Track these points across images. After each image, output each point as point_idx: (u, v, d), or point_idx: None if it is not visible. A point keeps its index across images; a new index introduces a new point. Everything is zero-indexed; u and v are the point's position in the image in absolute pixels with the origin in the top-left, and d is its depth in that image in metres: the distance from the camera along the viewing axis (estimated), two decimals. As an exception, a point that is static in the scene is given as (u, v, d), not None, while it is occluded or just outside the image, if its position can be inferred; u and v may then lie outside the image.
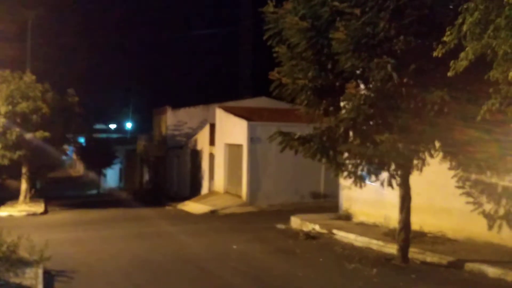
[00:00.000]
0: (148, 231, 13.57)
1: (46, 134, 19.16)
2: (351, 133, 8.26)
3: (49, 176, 52.93)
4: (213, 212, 17.94)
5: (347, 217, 12.83)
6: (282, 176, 18.54)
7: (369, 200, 11.74)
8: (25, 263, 7.78)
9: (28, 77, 19.85)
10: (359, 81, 8.10)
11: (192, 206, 20.00)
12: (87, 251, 10.17)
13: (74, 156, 61.86)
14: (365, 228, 11.35)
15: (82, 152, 47.27)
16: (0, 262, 7.30)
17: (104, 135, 60.28)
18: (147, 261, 9.11)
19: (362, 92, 7.80)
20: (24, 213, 18.62)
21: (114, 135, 60.80)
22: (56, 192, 38.93)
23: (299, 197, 18.35)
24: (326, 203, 16.73)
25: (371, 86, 7.72)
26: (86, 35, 46.27)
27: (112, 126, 69.98)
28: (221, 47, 33.91)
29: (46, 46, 27.86)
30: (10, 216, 18.15)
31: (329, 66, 8.27)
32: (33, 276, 7.16)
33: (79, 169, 60.16)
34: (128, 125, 65.26)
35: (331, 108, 8.58)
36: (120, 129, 65.60)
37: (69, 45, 39.80)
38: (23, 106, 18.73)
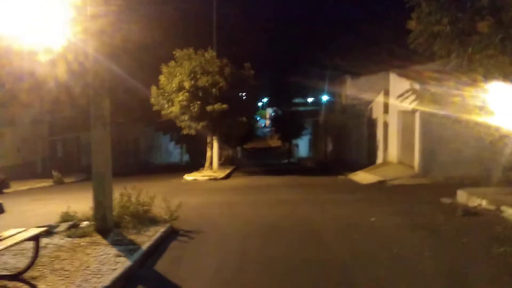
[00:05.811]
0: (299, 198, 13.40)
1: (224, 106, 20.60)
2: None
3: (249, 146, 57.80)
4: (381, 183, 16.83)
5: (532, 193, 10.40)
6: (462, 145, 16.09)
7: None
8: (155, 222, 8.28)
9: (209, 54, 21.53)
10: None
11: (362, 176, 19.14)
12: (227, 214, 10.54)
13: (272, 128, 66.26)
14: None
15: (276, 124, 50.37)
16: (130, 219, 7.92)
17: (301, 108, 62.67)
18: (273, 227, 8.90)
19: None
20: (206, 178, 20.60)
21: (310, 108, 62.62)
22: (251, 160, 42.32)
23: (484, 170, 15.67)
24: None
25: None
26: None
27: (310, 99, 72.21)
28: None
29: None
30: (195, 180, 20.31)
31: (468, 3, 6.64)
32: (152, 234, 7.44)
33: (276, 140, 63.95)
34: (324, 98, 66.61)
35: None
36: (317, 102, 67.10)
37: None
38: (203, 80, 20.48)
